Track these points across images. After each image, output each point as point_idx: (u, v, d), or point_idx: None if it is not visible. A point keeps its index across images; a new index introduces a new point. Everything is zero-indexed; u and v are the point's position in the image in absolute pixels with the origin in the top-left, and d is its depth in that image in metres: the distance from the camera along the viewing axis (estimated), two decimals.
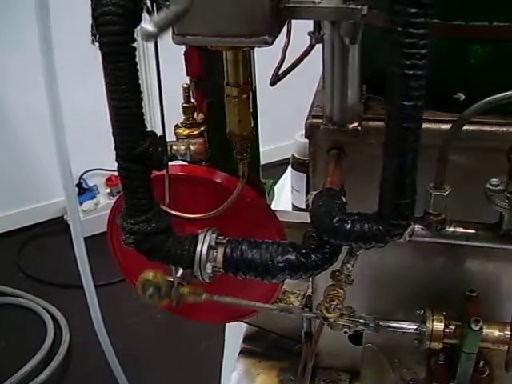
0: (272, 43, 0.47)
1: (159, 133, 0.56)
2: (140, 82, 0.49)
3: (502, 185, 0.56)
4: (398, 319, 0.67)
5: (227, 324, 1.05)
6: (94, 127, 1.80)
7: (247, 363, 0.88)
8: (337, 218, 0.52)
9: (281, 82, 0.73)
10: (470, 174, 0.60)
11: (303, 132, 0.64)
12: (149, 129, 0.53)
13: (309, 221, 0.55)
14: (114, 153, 0.53)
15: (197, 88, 0.69)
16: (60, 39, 1.20)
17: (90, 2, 0.46)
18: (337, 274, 0.61)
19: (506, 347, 0.64)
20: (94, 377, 1.89)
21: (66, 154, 1.24)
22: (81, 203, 2.47)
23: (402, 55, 0.43)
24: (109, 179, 2.57)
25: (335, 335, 0.77)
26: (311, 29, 0.59)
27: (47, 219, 2.61)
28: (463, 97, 0.57)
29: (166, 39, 0.43)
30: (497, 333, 0.65)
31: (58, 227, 2.54)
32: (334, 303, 0.61)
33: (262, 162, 0.77)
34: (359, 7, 0.46)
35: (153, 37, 0.37)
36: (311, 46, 0.65)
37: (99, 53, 0.47)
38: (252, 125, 0.64)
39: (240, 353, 0.90)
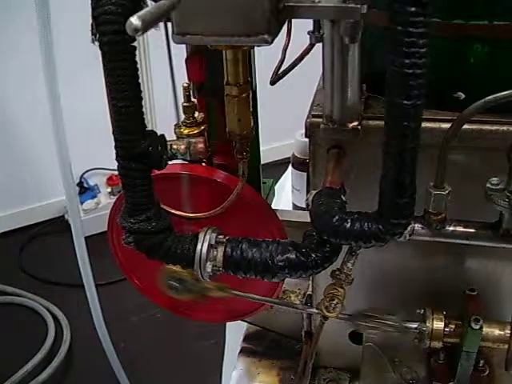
0: (272, 42, 0.47)
1: (159, 132, 0.56)
2: (140, 81, 0.49)
3: (502, 184, 0.56)
4: (398, 318, 0.67)
5: (228, 323, 1.05)
6: (94, 126, 1.80)
7: (248, 362, 0.88)
8: (337, 217, 0.52)
9: (281, 81, 0.73)
10: (470, 173, 0.60)
11: (303, 131, 0.64)
12: (149, 128, 0.53)
13: (309, 220, 0.55)
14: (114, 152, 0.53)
15: (199, 93, 0.69)
16: (60, 39, 1.20)
17: (89, 2, 0.46)
18: (337, 273, 0.61)
19: (506, 346, 0.64)
20: (95, 376, 1.90)
21: (67, 153, 1.24)
22: (82, 202, 2.47)
23: (402, 54, 0.43)
24: (110, 178, 2.57)
25: (335, 334, 0.77)
26: (311, 28, 0.59)
27: (48, 218, 2.62)
28: (463, 96, 0.57)
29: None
30: (497, 332, 0.65)
31: (58, 226, 2.54)
32: (334, 302, 0.61)
33: (263, 161, 0.77)
34: (359, 6, 0.46)
35: (138, 30, 0.37)
36: (311, 45, 0.65)
37: (99, 52, 0.47)
38: (252, 124, 0.64)
39: (240, 352, 0.90)
